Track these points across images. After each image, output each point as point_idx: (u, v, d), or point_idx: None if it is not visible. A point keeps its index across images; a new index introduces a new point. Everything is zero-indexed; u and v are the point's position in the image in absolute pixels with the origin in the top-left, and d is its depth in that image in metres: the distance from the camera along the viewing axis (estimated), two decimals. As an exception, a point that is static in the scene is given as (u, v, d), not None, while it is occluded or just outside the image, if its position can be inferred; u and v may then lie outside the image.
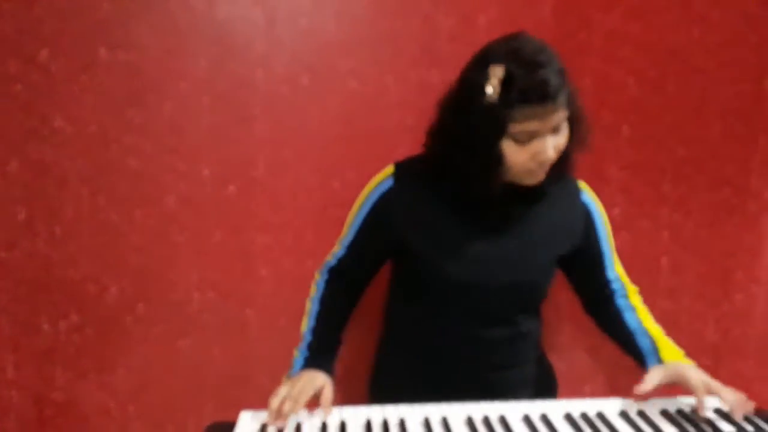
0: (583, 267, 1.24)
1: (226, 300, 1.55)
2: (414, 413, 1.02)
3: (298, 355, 1.15)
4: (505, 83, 0.94)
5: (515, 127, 0.97)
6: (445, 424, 0.99)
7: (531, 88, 0.93)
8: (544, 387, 1.29)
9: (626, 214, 1.60)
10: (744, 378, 1.72)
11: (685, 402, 1.10)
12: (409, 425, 0.99)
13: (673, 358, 1.12)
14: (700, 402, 1.01)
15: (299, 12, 1.45)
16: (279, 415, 0.99)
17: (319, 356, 1.14)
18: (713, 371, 1.71)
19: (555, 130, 1.00)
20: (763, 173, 1.63)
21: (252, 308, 1.55)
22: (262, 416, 1.01)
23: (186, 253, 1.52)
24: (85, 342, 1.53)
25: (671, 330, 1.67)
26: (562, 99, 0.96)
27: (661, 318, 1.67)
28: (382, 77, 1.49)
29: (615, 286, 1.25)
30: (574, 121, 1.04)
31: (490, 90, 0.95)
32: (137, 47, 1.43)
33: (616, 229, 1.60)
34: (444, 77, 1.09)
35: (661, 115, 1.57)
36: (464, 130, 1.01)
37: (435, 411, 1.03)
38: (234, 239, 1.53)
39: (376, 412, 1.03)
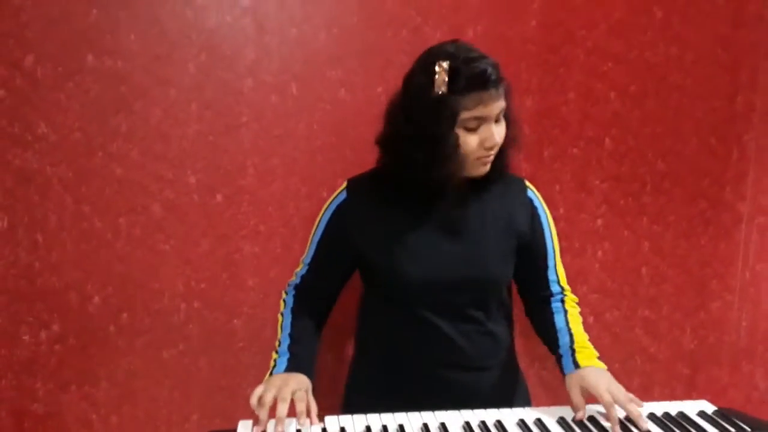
0: (528, 263, 1.27)
1: (212, 310, 1.53)
2: (413, 420, 1.04)
3: (279, 356, 1.15)
4: (451, 75, 1.04)
5: (465, 114, 1.06)
6: (444, 429, 1.00)
7: (474, 75, 1.04)
8: (514, 394, 1.31)
9: (609, 224, 1.64)
10: (719, 384, 1.78)
11: (671, 406, 1.13)
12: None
13: (587, 362, 1.15)
14: (610, 417, 1.04)
15: (289, 22, 1.45)
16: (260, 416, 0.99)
17: (301, 358, 1.15)
18: (690, 378, 1.78)
19: (497, 119, 1.09)
20: (736, 187, 1.69)
21: (239, 319, 1.54)
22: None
23: (172, 262, 1.50)
24: (67, 353, 1.49)
25: (651, 338, 1.72)
26: (502, 88, 1.07)
27: (641, 327, 1.72)
28: (372, 88, 1.51)
29: (555, 288, 1.29)
30: (508, 118, 1.14)
31: (439, 83, 1.05)
32: (125, 54, 1.41)
33: (599, 240, 1.65)
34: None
35: (642, 129, 1.62)
36: (417, 128, 1.09)
37: (433, 418, 1.04)
38: (221, 248, 1.52)
39: (374, 419, 1.03)
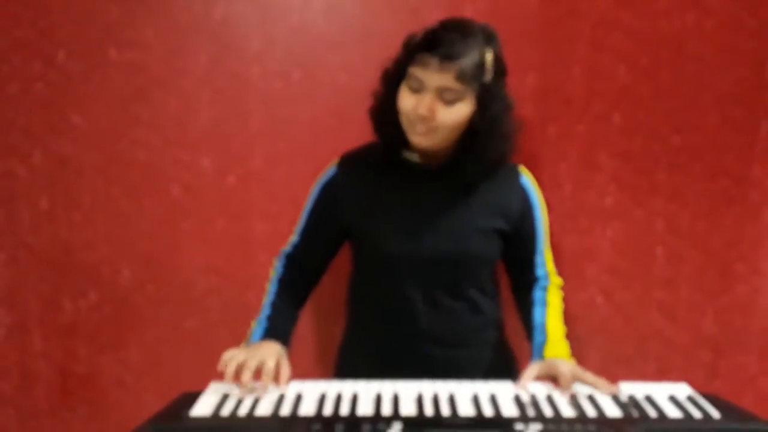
0: (516, 248, 1.28)
1: (228, 283, 1.65)
2: (367, 389, 1.07)
3: (256, 326, 1.24)
4: (423, 36, 1.10)
5: (410, 70, 1.10)
6: (395, 400, 1.04)
7: (436, 40, 1.06)
8: (502, 373, 1.30)
9: (619, 203, 1.59)
10: (746, 372, 1.68)
11: (641, 388, 1.10)
12: (360, 399, 1.04)
13: (554, 356, 1.16)
14: (563, 387, 1.07)
15: (290, 9, 1.51)
16: (237, 379, 1.08)
17: (277, 328, 1.22)
18: (713, 365, 1.70)
19: (444, 96, 1.07)
20: (766, 162, 1.58)
21: (252, 291, 1.65)
22: (226, 387, 1.10)
23: (191, 239, 1.63)
24: (102, 319, 1.66)
25: (668, 321, 1.66)
26: (459, 68, 1.04)
27: (656, 309, 1.66)
28: (372, 71, 1.53)
29: (539, 273, 1.29)
30: (488, 118, 1.12)
31: (409, 47, 1.12)
32: (143, 47, 1.53)
33: (609, 219, 1.61)
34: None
35: (654, 103, 1.54)
36: (383, 86, 1.20)
37: (387, 387, 1.08)
38: (235, 226, 1.62)
39: (332, 387, 1.09)
